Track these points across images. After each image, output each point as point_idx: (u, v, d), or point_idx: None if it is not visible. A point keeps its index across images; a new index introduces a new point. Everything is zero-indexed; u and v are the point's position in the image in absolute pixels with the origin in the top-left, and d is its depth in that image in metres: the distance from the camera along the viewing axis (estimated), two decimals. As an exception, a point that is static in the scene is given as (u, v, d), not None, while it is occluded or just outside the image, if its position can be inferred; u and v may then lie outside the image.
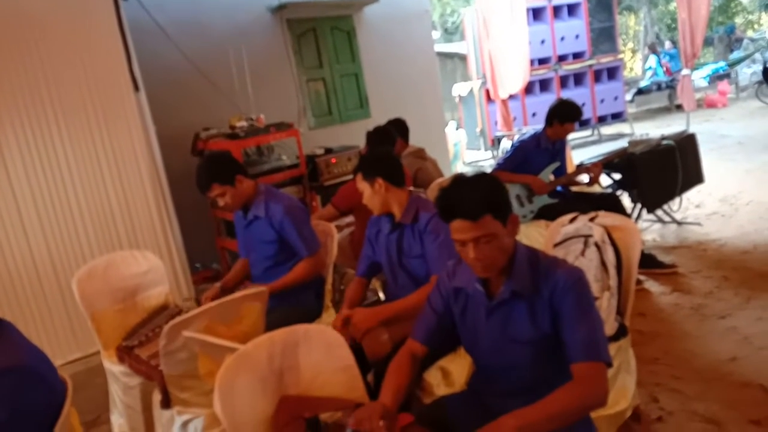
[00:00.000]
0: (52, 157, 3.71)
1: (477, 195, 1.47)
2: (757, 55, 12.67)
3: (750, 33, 17.61)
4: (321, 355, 1.74)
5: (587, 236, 2.31)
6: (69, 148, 3.75)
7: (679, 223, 4.88)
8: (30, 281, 3.68)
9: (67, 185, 3.77)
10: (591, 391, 1.40)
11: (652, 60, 13.10)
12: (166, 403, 2.21)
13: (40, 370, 1.47)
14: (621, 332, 2.22)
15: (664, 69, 12.61)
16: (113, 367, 2.59)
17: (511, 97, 8.41)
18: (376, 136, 3.60)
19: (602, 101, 9.86)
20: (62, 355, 3.78)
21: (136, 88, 3.99)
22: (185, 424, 2.17)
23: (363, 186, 2.36)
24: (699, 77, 12.50)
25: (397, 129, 3.91)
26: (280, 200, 2.70)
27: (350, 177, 2.76)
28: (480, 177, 1.54)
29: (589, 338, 1.45)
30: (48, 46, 3.63)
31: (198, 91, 5.19)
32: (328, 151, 5.12)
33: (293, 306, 2.67)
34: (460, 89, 10.00)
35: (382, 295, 3.23)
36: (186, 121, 4.94)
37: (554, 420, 1.36)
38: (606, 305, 2.19)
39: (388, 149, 2.70)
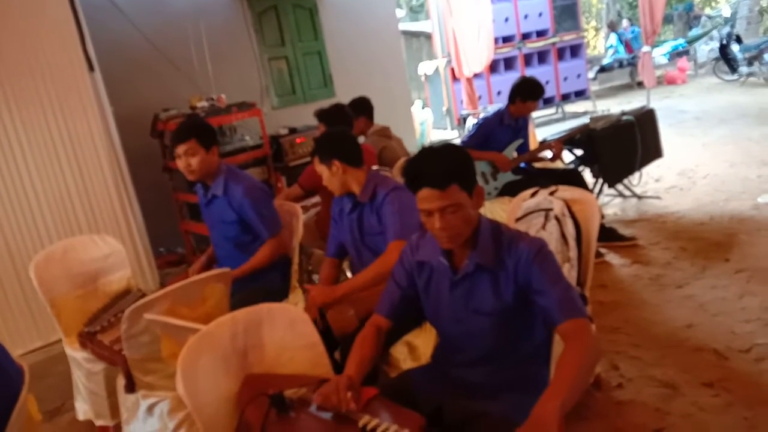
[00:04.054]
0: (3, 141, 3.58)
1: (444, 164, 1.48)
2: (715, 33, 12.88)
3: (708, 10, 17.92)
4: (285, 332, 1.74)
5: (548, 210, 2.35)
6: (22, 131, 3.63)
7: (639, 197, 5.00)
8: (-15, 270, 3.56)
9: (21, 169, 3.64)
10: (587, 343, 1.40)
11: (613, 38, 13.26)
12: (131, 388, 2.18)
13: None
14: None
15: (625, 46, 12.80)
16: (75, 353, 2.55)
17: (476, 75, 8.42)
18: (330, 115, 3.40)
19: (565, 79, 9.95)
20: (23, 345, 3.68)
21: (91, 67, 3.87)
22: (151, 408, 2.15)
23: (321, 169, 2.33)
24: (659, 54, 12.71)
25: (362, 108, 3.87)
26: (240, 180, 2.65)
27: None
28: (447, 147, 1.55)
29: (565, 298, 1.47)
30: (-6, 25, 3.48)
31: (156, 71, 5.05)
32: (293, 130, 5.06)
33: (259, 287, 2.64)
34: (425, 68, 9.96)
35: (349, 275, 3.23)
36: (144, 102, 4.80)
37: (576, 385, 1.32)
38: (566, 276, 2.23)
39: (343, 129, 2.65)
